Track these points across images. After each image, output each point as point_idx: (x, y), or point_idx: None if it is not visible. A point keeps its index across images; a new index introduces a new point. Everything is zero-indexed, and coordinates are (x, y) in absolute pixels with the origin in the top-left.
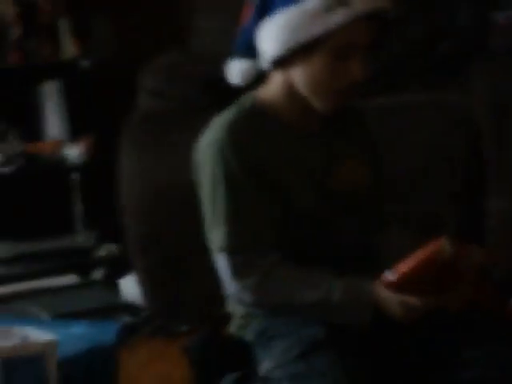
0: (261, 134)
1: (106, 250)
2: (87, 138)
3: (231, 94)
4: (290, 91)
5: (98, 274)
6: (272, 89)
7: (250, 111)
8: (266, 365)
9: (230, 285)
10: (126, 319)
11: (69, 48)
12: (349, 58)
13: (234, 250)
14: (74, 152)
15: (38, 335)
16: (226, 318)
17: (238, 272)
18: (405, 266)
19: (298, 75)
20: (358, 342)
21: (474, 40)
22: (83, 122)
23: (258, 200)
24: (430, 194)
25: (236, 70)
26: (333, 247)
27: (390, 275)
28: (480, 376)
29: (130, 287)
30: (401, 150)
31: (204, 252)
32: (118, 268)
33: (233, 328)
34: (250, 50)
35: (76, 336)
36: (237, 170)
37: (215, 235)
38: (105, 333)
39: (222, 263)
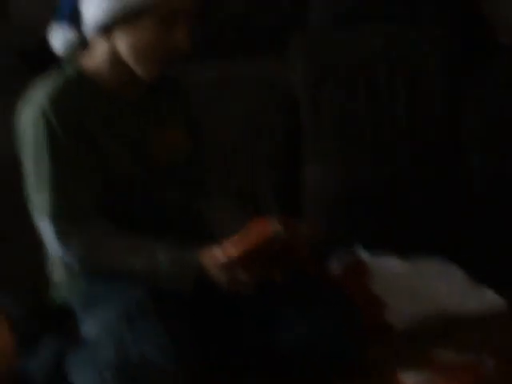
0: (82, 100)
1: None
2: None
3: (49, 64)
4: (114, 58)
5: None
6: (95, 56)
7: (72, 78)
8: (89, 328)
9: (54, 249)
10: None
11: None
12: (173, 25)
13: (57, 214)
14: None
15: None
16: (47, 285)
17: (62, 237)
18: (235, 248)
19: (122, 43)
20: (181, 304)
21: (294, 14)
22: None
23: (79, 166)
24: (246, 165)
25: (59, 39)
26: (155, 211)
27: (221, 256)
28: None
29: None
30: (220, 121)
31: (25, 218)
32: None
33: (55, 292)
34: (72, 17)
35: None
36: (59, 136)
37: (38, 200)
38: None
39: (45, 228)
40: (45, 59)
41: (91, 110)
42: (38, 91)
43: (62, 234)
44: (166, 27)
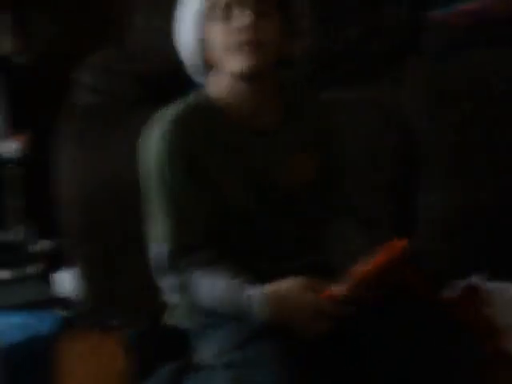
0: (206, 129)
1: (40, 245)
2: (23, 134)
3: (168, 90)
4: (229, 83)
5: (32, 269)
6: (218, 85)
7: (196, 106)
8: (203, 354)
9: (159, 277)
10: (61, 313)
11: (6, 44)
12: (231, 17)
13: (169, 243)
14: (9, 147)
15: None
16: (162, 309)
17: (170, 267)
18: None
19: (217, 57)
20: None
21: (406, 38)
22: (19, 118)
23: (196, 197)
24: (363, 189)
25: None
26: (269, 246)
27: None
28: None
29: (64, 282)
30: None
31: (140, 245)
32: (52, 263)
33: (169, 318)
34: None
35: (14, 326)
36: (177, 167)
37: (153, 227)
38: (43, 324)
39: (156, 255)
40: (161, 87)
41: (212, 136)
42: (159, 119)
43: (168, 265)
44: (227, 20)
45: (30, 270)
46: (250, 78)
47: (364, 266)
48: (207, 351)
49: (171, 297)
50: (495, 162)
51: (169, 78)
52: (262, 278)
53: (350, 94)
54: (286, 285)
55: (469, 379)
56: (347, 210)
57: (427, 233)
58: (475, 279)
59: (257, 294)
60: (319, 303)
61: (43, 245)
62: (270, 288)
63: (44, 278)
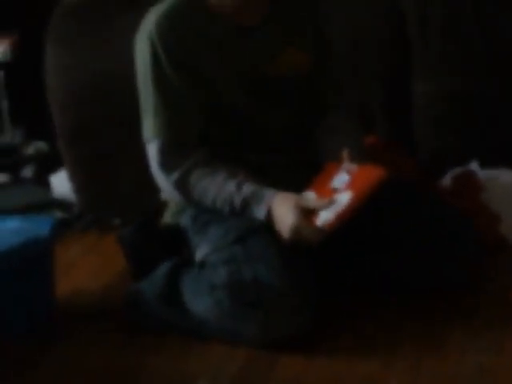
0: (195, 27)
1: (34, 147)
2: (11, 35)
3: None
4: None
5: (27, 172)
6: None
7: (187, 4)
8: (202, 250)
9: (155, 174)
10: (58, 215)
11: None
12: None
13: (161, 140)
14: None
15: None
16: (159, 208)
17: (163, 163)
18: (334, 217)
19: None
20: None
21: None
22: (6, 19)
23: (185, 93)
24: (356, 79)
25: None
26: (261, 132)
27: (319, 221)
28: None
29: (60, 183)
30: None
31: (135, 143)
32: (48, 165)
33: (167, 216)
34: None
35: (10, 230)
36: (163, 63)
37: (146, 124)
38: (39, 227)
39: (150, 152)
40: None
41: (203, 36)
42: (149, 16)
43: (165, 162)
44: None
45: (26, 172)
46: None
47: (342, 165)
48: (205, 248)
49: (168, 195)
50: (487, 48)
51: None
52: (250, 169)
53: None
54: (284, 196)
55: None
56: (338, 102)
57: (419, 121)
58: (469, 166)
59: (254, 192)
60: (300, 225)
61: (38, 147)
62: (268, 190)
63: (41, 181)
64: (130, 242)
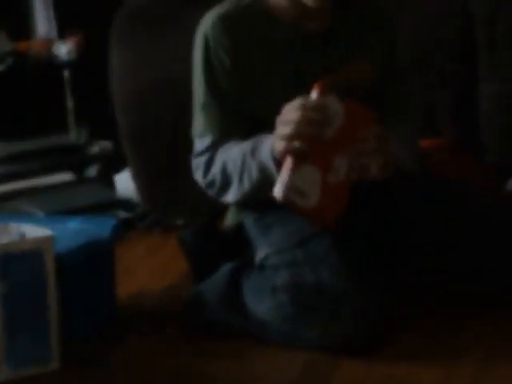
0: (252, 31)
1: (99, 147)
2: (77, 35)
3: None
4: None
5: (92, 171)
6: None
7: (246, 7)
8: (263, 252)
9: (193, 171)
10: (122, 215)
11: None
12: None
13: (205, 140)
14: (63, 49)
15: (35, 231)
16: (223, 208)
17: (200, 159)
18: None
19: None
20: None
21: None
22: (72, 19)
23: (234, 98)
24: (423, 79)
25: None
26: None
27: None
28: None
29: (124, 183)
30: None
31: None
32: (112, 164)
33: (229, 217)
34: None
35: (72, 231)
36: (217, 66)
37: (195, 122)
38: (101, 228)
39: (195, 149)
40: None
41: (258, 39)
42: (206, 17)
43: (201, 157)
44: None
45: (91, 172)
46: None
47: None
48: (266, 249)
49: (206, 190)
50: None
51: None
52: None
53: None
54: None
55: None
56: (400, 110)
57: (486, 121)
58: None
59: (255, 140)
60: (301, 100)
61: (102, 146)
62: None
63: (105, 180)
64: (190, 244)
